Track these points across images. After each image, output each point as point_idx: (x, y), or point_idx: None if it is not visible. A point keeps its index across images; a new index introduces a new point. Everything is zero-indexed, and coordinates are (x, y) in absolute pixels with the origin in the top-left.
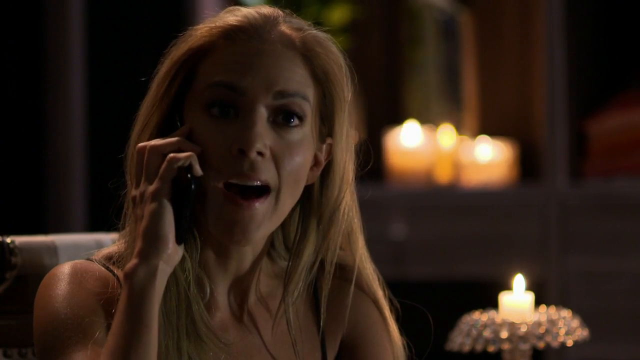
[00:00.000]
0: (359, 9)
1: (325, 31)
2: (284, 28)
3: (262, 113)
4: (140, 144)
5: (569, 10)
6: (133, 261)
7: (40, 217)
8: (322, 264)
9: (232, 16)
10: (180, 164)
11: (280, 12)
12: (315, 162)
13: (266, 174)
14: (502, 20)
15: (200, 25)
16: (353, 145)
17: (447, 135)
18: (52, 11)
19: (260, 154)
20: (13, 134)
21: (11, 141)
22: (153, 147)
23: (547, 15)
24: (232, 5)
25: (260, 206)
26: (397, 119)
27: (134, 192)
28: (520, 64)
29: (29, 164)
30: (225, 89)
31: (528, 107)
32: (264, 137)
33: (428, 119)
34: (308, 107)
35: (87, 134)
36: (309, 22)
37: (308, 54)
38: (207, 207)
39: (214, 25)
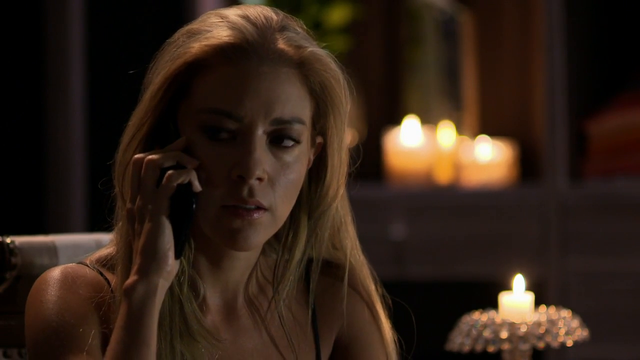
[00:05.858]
0: (358, 9)
1: (323, 34)
2: (282, 44)
3: (260, 137)
4: (137, 156)
5: (568, 10)
6: (132, 277)
7: (40, 217)
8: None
9: (225, 30)
10: (179, 181)
11: (274, 17)
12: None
13: (263, 197)
14: (502, 20)
15: (191, 40)
16: (347, 149)
17: (447, 135)
18: (52, 11)
19: (259, 179)
20: (13, 133)
21: (11, 141)
22: (150, 161)
23: (547, 15)
24: (231, 6)
25: (259, 217)
26: (397, 119)
27: (130, 206)
28: (520, 64)
29: (29, 164)
30: (223, 116)
31: (528, 107)
32: (262, 162)
33: (428, 119)
34: (304, 129)
35: (87, 134)
36: (302, 24)
37: (306, 72)
38: (205, 215)
39: (207, 42)
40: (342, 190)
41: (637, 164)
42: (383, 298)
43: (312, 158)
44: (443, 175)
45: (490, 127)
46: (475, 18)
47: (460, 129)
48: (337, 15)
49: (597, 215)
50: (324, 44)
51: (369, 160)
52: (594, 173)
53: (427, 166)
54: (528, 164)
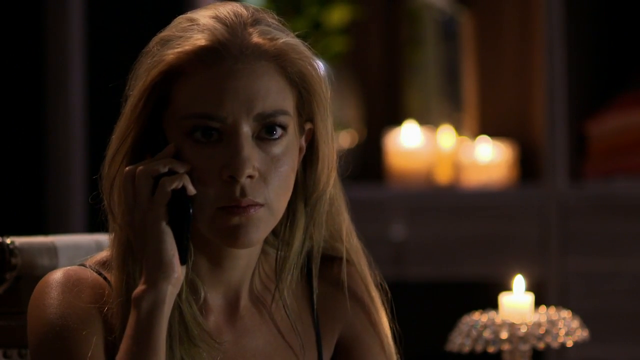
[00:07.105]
0: (358, 10)
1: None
2: (255, 38)
3: (246, 134)
4: (128, 168)
5: (568, 10)
6: (141, 287)
7: (40, 217)
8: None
9: (196, 33)
10: (173, 186)
11: (244, 13)
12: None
13: (256, 194)
14: (502, 20)
15: (164, 48)
16: (335, 134)
17: (447, 136)
18: (52, 11)
19: (250, 176)
20: (13, 133)
21: (11, 141)
22: (142, 171)
23: (547, 15)
24: (201, 8)
25: (255, 212)
26: (397, 120)
27: (127, 217)
28: (520, 65)
29: (29, 164)
30: (206, 119)
31: (528, 107)
32: (251, 159)
33: (428, 120)
34: (289, 119)
35: (87, 134)
36: (274, 15)
37: (283, 64)
38: (202, 217)
39: (180, 49)
40: (334, 174)
41: (637, 164)
42: (380, 286)
43: (304, 145)
44: (443, 176)
45: (490, 127)
46: (475, 18)
47: (460, 130)
48: (337, 16)
49: (597, 216)
50: (298, 36)
51: (369, 161)
52: (594, 173)
53: (427, 167)
54: (528, 164)
